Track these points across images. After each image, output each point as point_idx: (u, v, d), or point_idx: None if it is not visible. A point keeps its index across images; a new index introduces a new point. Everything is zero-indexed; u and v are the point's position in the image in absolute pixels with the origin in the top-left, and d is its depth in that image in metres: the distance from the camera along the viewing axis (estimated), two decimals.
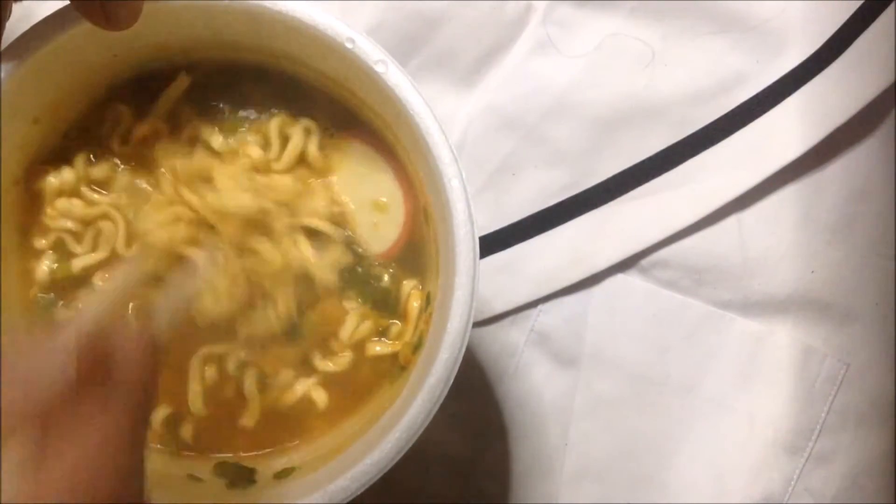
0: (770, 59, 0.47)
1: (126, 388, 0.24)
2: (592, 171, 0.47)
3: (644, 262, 0.47)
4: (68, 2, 0.30)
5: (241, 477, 0.35)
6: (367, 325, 0.36)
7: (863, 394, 0.46)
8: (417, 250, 0.36)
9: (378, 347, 0.36)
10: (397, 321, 0.36)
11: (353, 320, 0.35)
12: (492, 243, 0.47)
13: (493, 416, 0.47)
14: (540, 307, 0.47)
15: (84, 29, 0.30)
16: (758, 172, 0.46)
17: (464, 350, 0.30)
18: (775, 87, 0.47)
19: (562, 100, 0.47)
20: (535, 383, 0.47)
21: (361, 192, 0.36)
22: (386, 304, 0.36)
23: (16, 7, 0.30)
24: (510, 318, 0.47)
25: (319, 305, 0.35)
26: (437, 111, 0.30)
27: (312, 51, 0.32)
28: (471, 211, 0.30)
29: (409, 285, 0.36)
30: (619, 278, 0.47)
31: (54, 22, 0.30)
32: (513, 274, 0.47)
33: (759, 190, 0.46)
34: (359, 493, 0.30)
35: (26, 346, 0.23)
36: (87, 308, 0.27)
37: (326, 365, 0.36)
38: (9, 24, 0.30)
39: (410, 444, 0.30)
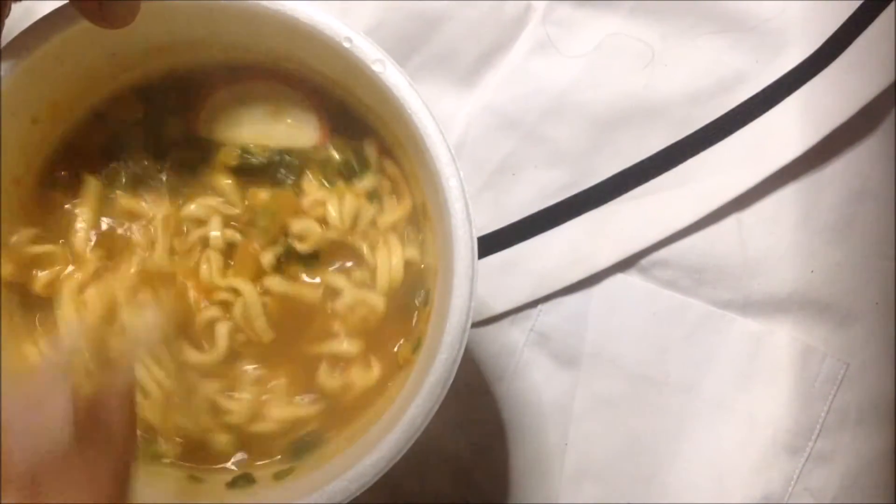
0: (770, 59, 0.47)
1: (114, 436, 0.25)
2: (592, 170, 0.47)
3: (644, 261, 0.47)
4: (67, 1, 0.30)
5: (241, 477, 0.35)
6: (350, 201, 0.35)
7: (863, 393, 0.46)
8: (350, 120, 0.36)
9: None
10: (369, 173, 0.36)
11: (334, 204, 0.35)
12: (492, 243, 0.47)
13: (492, 416, 0.47)
14: (540, 307, 0.47)
15: (83, 28, 0.30)
16: (757, 172, 0.46)
17: (463, 350, 0.30)
18: (775, 86, 0.47)
19: (561, 100, 0.47)
20: (535, 383, 0.47)
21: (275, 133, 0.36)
22: (352, 168, 0.36)
23: (15, 6, 0.30)
24: (510, 318, 0.47)
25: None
26: (437, 111, 0.30)
27: (311, 50, 0.32)
28: (469, 211, 0.30)
29: (366, 145, 0.36)
30: (619, 278, 0.47)
31: (53, 21, 0.30)
32: (513, 274, 0.47)
33: (758, 190, 0.46)
34: (358, 493, 0.30)
35: (24, 402, 0.24)
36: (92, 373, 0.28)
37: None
38: (8, 24, 0.30)
39: (409, 445, 0.30)
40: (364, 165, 0.36)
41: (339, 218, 0.35)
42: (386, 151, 0.36)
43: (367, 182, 0.36)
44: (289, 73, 0.36)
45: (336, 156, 0.36)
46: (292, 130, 0.36)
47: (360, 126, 0.36)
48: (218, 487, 0.34)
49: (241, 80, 0.36)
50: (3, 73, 0.30)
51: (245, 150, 0.35)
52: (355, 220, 0.35)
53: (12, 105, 0.31)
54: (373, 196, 0.36)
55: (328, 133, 0.36)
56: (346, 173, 0.36)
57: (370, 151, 0.36)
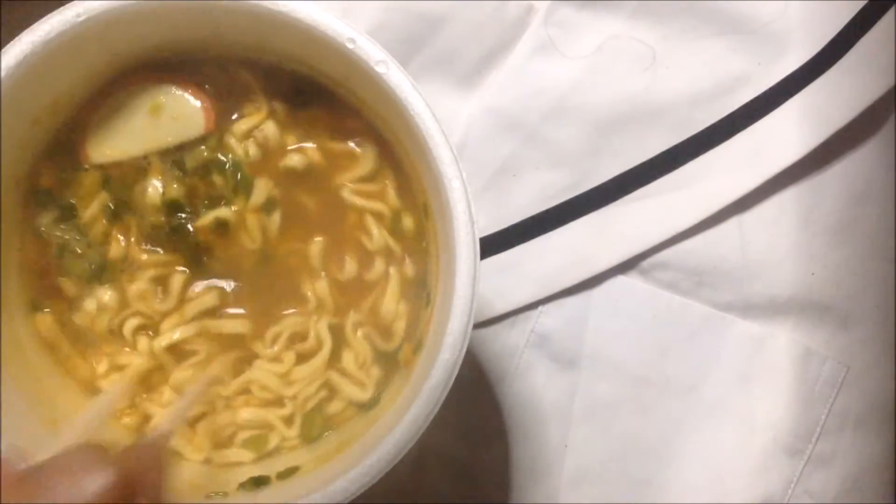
0: (771, 62, 0.47)
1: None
2: (593, 172, 0.47)
3: (645, 263, 0.47)
4: (68, 1, 0.30)
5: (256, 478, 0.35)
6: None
7: (863, 396, 0.46)
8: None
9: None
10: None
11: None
12: (493, 244, 0.47)
13: (493, 417, 0.47)
14: (540, 308, 0.47)
15: (84, 29, 0.30)
16: (758, 175, 0.46)
17: (464, 351, 0.30)
18: (776, 89, 0.47)
19: (563, 101, 0.47)
20: (536, 385, 0.47)
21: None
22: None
23: (16, 7, 0.30)
24: (511, 320, 0.47)
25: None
26: (439, 112, 0.30)
27: (313, 51, 0.32)
28: (471, 212, 0.30)
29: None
30: (620, 280, 0.47)
31: (54, 22, 0.30)
32: (513, 275, 0.47)
33: (759, 192, 0.46)
34: (358, 493, 0.30)
35: (66, 474, 0.24)
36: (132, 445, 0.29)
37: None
38: (8, 24, 0.30)
39: (410, 446, 0.30)
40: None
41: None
42: (388, 152, 0.36)
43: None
44: (160, 63, 0.35)
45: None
46: (177, 124, 0.35)
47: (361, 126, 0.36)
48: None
49: (113, 91, 0.35)
50: (3, 74, 0.30)
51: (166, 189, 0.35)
52: None
53: (13, 105, 0.31)
54: None
55: (215, 117, 0.36)
56: None
57: None
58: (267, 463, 0.35)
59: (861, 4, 0.46)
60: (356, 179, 0.36)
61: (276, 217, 0.36)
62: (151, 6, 0.30)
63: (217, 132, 0.36)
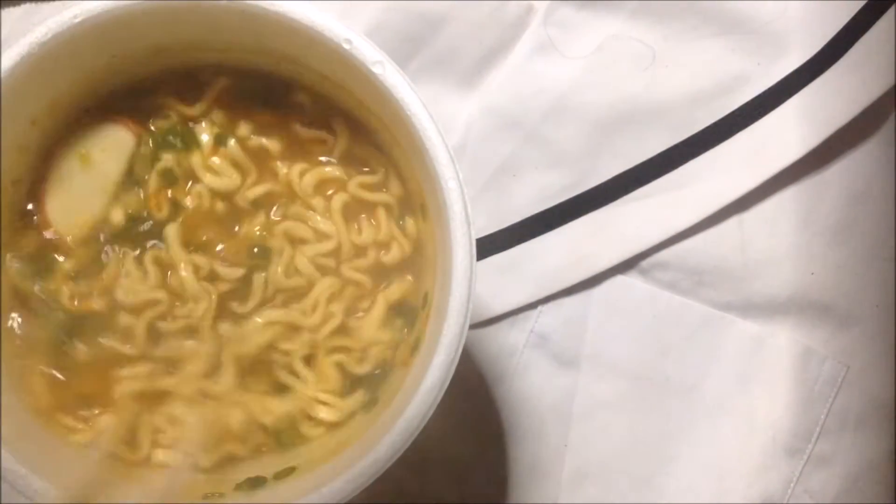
0: (771, 62, 0.47)
1: None
2: (593, 172, 0.47)
3: (644, 263, 0.47)
4: (68, 1, 0.30)
5: (254, 479, 0.35)
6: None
7: (863, 396, 0.46)
8: None
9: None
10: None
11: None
12: (492, 244, 0.47)
13: (492, 417, 0.47)
14: (540, 308, 0.47)
15: (83, 30, 0.30)
16: (758, 174, 0.46)
17: (460, 351, 0.30)
18: (776, 89, 0.46)
19: (562, 101, 0.47)
20: (535, 384, 0.47)
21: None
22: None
23: (16, 7, 0.30)
24: (510, 320, 0.47)
25: None
26: (438, 112, 0.30)
27: (310, 52, 0.32)
28: (468, 212, 0.30)
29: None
30: (620, 280, 0.47)
31: (51, 23, 0.30)
32: (513, 275, 0.47)
33: (759, 192, 0.46)
34: (355, 494, 0.30)
35: None
36: None
37: None
38: (8, 24, 0.30)
39: (407, 446, 0.30)
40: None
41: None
42: (385, 152, 0.36)
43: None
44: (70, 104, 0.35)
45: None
46: (110, 153, 0.35)
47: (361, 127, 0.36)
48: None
49: (45, 157, 0.35)
50: (2, 74, 0.30)
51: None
52: None
53: (12, 106, 0.31)
54: None
55: (132, 123, 0.35)
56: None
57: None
58: (263, 463, 0.35)
59: (861, 4, 0.46)
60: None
61: (232, 144, 0.36)
62: (149, 7, 0.30)
63: (145, 131, 0.36)
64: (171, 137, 0.35)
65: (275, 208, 0.36)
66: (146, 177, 0.35)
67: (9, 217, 0.34)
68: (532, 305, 0.47)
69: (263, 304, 0.35)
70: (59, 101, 0.34)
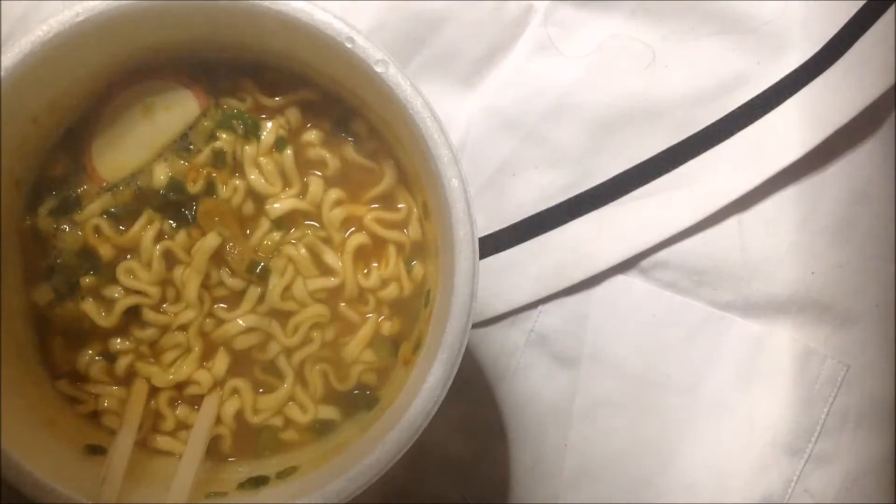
0: (771, 61, 0.47)
1: None
2: (593, 171, 0.47)
3: (644, 262, 0.47)
4: (68, 2, 0.30)
5: (255, 478, 0.35)
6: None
7: (863, 395, 0.46)
8: None
9: None
10: None
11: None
12: (492, 243, 0.47)
13: (493, 416, 0.47)
14: (540, 308, 0.47)
15: (83, 30, 0.30)
16: (758, 174, 0.46)
17: (463, 350, 0.30)
18: (776, 88, 0.47)
19: (562, 100, 0.47)
20: (535, 384, 0.47)
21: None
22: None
23: (16, 7, 0.30)
24: (510, 319, 0.47)
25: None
26: (438, 112, 0.30)
27: (313, 50, 0.32)
28: (471, 211, 0.30)
29: None
30: (620, 279, 0.47)
31: (53, 22, 0.30)
32: (513, 274, 0.47)
33: (759, 191, 0.46)
34: (358, 492, 0.30)
35: None
36: None
37: None
38: (8, 24, 0.30)
39: (409, 445, 0.30)
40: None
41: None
42: (388, 151, 0.36)
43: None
44: (142, 66, 0.35)
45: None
46: (172, 114, 0.35)
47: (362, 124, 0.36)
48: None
49: (102, 109, 0.35)
50: (3, 74, 0.30)
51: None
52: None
53: (13, 105, 0.31)
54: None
55: (203, 92, 0.36)
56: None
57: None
58: (266, 463, 0.35)
59: (860, 4, 0.46)
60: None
61: (288, 153, 0.36)
62: (150, 6, 0.30)
63: (213, 104, 0.36)
64: (235, 121, 0.35)
65: (293, 230, 0.36)
66: (197, 148, 0.35)
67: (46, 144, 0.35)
68: (532, 305, 0.47)
69: (251, 311, 0.36)
70: (60, 99, 0.33)
